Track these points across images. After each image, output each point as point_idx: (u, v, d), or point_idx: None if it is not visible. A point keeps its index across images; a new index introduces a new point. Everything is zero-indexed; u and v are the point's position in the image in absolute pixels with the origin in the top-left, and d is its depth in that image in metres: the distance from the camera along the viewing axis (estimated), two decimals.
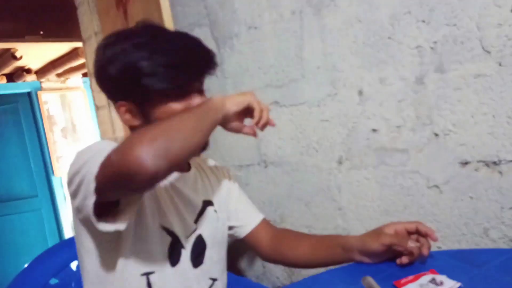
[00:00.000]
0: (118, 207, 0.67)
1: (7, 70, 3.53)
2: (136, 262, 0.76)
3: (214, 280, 0.88)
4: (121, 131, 2.09)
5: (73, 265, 1.24)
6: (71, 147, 3.88)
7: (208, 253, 0.87)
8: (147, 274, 0.76)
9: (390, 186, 1.02)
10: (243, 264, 1.50)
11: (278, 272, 1.41)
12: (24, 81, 3.77)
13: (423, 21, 0.89)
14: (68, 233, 3.86)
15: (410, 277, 0.64)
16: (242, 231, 0.98)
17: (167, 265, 0.79)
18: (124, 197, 0.67)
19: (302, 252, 0.90)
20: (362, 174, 1.08)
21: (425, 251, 0.72)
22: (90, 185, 0.61)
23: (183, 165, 0.89)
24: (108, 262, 0.74)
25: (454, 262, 0.70)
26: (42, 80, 3.80)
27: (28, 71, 3.61)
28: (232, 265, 1.42)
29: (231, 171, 1.06)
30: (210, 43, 1.41)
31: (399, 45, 0.94)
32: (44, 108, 3.78)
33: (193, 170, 0.92)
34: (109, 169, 0.60)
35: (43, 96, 3.79)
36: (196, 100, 0.77)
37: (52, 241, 3.83)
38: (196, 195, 0.89)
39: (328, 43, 1.08)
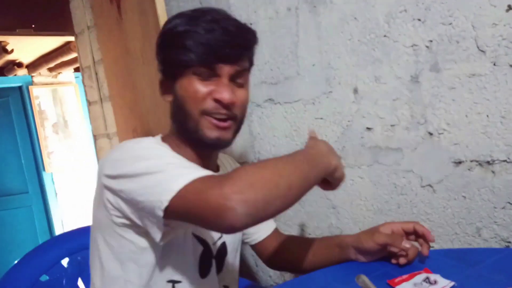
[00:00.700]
0: None
1: None
2: (165, 269, 0.71)
3: (226, 287, 0.86)
4: (113, 127, 2.07)
5: (64, 262, 1.22)
6: (62, 143, 3.84)
7: (226, 261, 0.84)
8: (173, 282, 0.72)
9: (384, 185, 1.02)
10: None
11: (271, 270, 1.40)
12: (15, 75, 3.72)
13: (419, 20, 0.89)
14: (58, 229, 3.82)
15: (404, 276, 0.64)
16: (255, 238, 0.96)
17: (196, 276, 0.75)
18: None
19: (304, 259, 0.90)
20: (356, 173, 1.08)
21: (424, 251, 0.71)
22: (157, 212, 0.57)
23: (213, 167, 0.84)
24: (136, 270, 0.69)
25: (447, 261, 0.70)
26: (33, 74, 3.75)
27: (19, 65, 3.56)
28: None
29: None
30: None
31: (395, 44, 0.94)
32: (36, 103, 3.74)
33: (222, 171, 0.88)
34: (190, 204, 0.55)
35: (35, 91, 3.74)
36: (222, 87, 0.71)
37: (42, 238, 3.79)
38: None
39: (324, 40, 1.08)
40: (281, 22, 1.17)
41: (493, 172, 0.83)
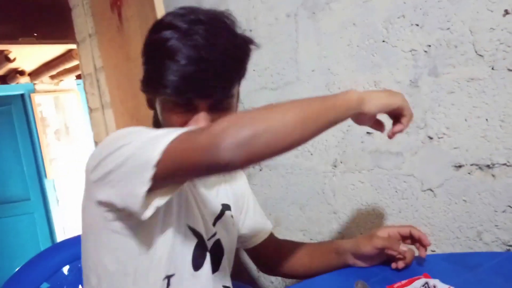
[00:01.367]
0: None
1: (0, 72, 3.50)
2: (159, 263, 0.69)
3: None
4: None
5: (65, 269, 1.22)
6: (64, 150, 3.85)
7: (224, 260, 0.82)
8: (168, 277, 0.70)
9: (385, 189, 1.03)
10: (237, 268, 1.49)
11: (273, 277, 1.40)
12: (18, 83, 3.74)
13: (417, 25, 0.90)
14: (60, 236, 3.82)
15: (403, 282, 0.64)
16: (251, 242, 0.95)
17: (190, 268, 0.73)
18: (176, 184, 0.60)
19: (301, 264, 0.90)
20: (357, 177, 1.08)
21: (422, 253, 0.72)
22: (145, 173, 0.54)
23: None
24: (131, 262, 0.67)
25: (447, 265, 0.70)
26: (35, 82, 3.77)
27: (22, 73, 3.58)
28: None
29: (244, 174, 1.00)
30: None
31: (393, 48, 0.94)
32: (38, 110, 3.76)
33: None
34: (181, 152, 0.53)
35: (37, 98, 3.76)
36: (199, 121, 0.66)
37: (44, 245, 3.79)
38: (215, 197, 0.84)
39: (323, 46, 1.09)
40: (280, 28, 1.18)
41: (493, 175, 0.83)
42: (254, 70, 1.29)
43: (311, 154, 1.18)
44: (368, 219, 1.07)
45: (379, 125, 0.74)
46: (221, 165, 0.49)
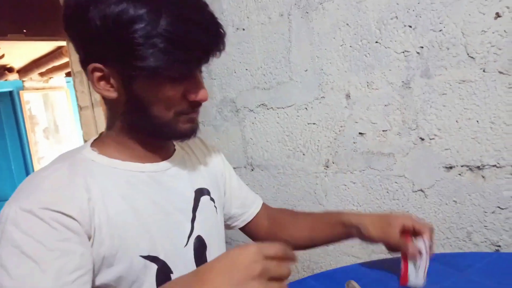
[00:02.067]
0: None
1: None
2: None
3: None
4: None
5: None
6: (53, 148, 3.80)
7: (209, 254, 0.72)
8: None
9: (376, 190, 1.03)
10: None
11: None
12: (6, 80, 3.68)
13: (410, 26, 0.90)
14: None
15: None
16: (242, 221, 0.86)
17: None
18: None
19: (301, 233, 0.82)
20: (349, 178, 1.08)
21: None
22: None
23: (164, 150, 0.70)
24: None
25: (438, 266, 0.70)
26: (24, 79, 3.72)
27: (10, 70, 3.53)
28: None
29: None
30: None
31: (386, 50, 0.95)
32: (26, 108, 3.70)
33: (178, 152, 0.73)
34: None
35: (25, 96, 3.71)
36: (198, 86, 0.60)
37: None
38: (185, 184, 0.70)
39: (316, 46, 1.09)
40: (273, 28, 1.18)
41: (483, 177, 0.84)
42: (246, 69, 1.28)
43: (303, 155, 1.18)
44: None
45: None
46: None
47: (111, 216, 0.57)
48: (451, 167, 0.89)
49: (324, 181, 1.14)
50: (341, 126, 1.07)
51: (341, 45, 1.03)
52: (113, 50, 0.56)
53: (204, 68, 0.64)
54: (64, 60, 3.06)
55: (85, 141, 2.30)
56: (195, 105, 0.63)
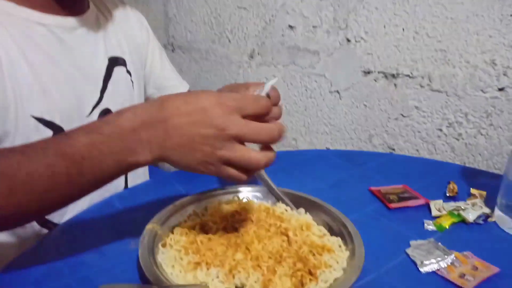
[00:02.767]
0: None
1: None
2: None
3: None
4: None
5: None
6: None
7: None
8: None
9: (296, 86, 1.03)
10: None
11: None
12: None
13: None
14: None
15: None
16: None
17: None
18: None
19: None
20: (272, 71, 1.07)
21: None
22: None
23: (73, 3, 0.59)
24: None
25: (338, 160, 0.75)
26: None
27: None
28: None
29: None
30: None
31: None
32: None
33: (92, 12, 0.63)
34: None
35: None
36: None
37: None
38: (96, 49, 0.62)
39: None
40: None
41: (395, 85, 0.88)
42: None
43: (229, 41, 1.12)
44: None
45: None
46: None
47: (3, 62, 0.50)
48: (369, 72, 0.91)
49: (246, 72, 1.11)
50: (272, 16, 1.01)
51: None
52: None
53: None
54: None
55: None
56: None
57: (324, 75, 0.98)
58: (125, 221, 0.56)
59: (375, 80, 0.91)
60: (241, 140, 0.39)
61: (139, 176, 0.73)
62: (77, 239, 0.53)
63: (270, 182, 0.59)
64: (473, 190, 0.62)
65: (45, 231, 0.58)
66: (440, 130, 0.85)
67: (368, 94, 0.92)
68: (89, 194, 0.43)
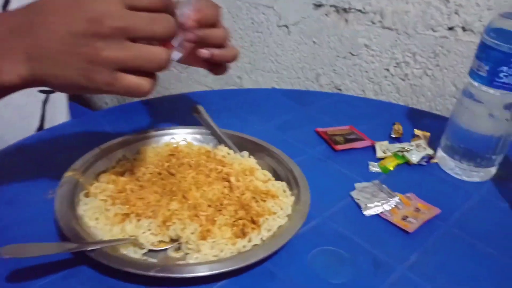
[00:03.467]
0: None
1: None
2: None
3: (46, 92, 0.66)
4: None
5: None
6: None
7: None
8: None
9: (242, 19, 0.95)
10: None
11: (107, 97, 1.29)
12: None
13: None
14: None
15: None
16: None
17: None
18: None
19: None
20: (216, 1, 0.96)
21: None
22: None
23: None
24: None
25: (285, 100, 0.71)
26: None
27: None
28: None
29: None
30: None
31: None
32: None
33: None
34: None
35: None
36: None
37: None
38: None
39: None
40: None
41: (346, 20, 0.83)
42: None
43: None
44: None
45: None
46: None
47: None
48: (320, 5, 0.85)
49: None
50: None
51: None
52: None
53: None
54: None
55: None
56: None
57: (272, 7, 0.90)
58: (42, 167, 0.49)
59: (326, 15, 0.85)
60: (130, 37, 0.30)
61: (57, 116, 0.65)
62: None
63: (211, 122, 0.54)
64: (417, 131, 0.61)
65: None
66: (387, 70, 0.83)
67: (318, 29, 0.87)
68: None
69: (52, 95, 0.68)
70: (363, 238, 0.41)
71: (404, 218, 0.44)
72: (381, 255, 0.40)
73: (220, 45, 0.46)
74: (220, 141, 0.52)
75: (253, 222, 0.39)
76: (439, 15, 0.73)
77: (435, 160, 0.55)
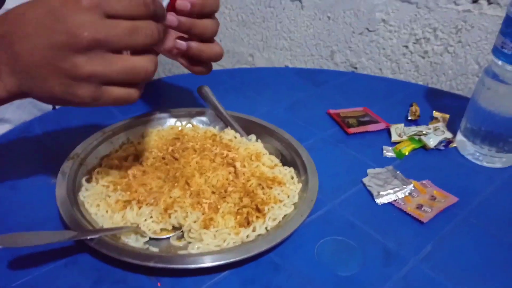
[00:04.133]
0: None
1: None
2: None
3: None
4: None
5: None
6: None
7: None
8: None
9: None
10: None
11: None
12: None
13: None
14: None
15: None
16: None
17: None
18: None
19: None
20: None
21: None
22: None
23: None
24: None
25: (298, 79, 0.69)
26: None
27: None
28: None
29: None
30: None
31: None
32: None
33: None
34: None
35: None
36: None
37: None
38: None
39: None
40: None
41: None
42: None
43: None
44: (230, 26, 0.98)
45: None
46: None
47: None
48: None
49: None
50: None
51: None
52: None
53: None
54: None
55: None
56: None
57: None
58: (46, 150, 0.48)
59: None
60: (111, 49, 0.28)
61: None
62: None
63: (217, 104, 0.52)
64: (435, 113, 0.58)
65: None
66: (406, 47, 0.79)
67: (333, 4, 0.82)
68: None
69: None
70: (374, 228, 0.39)
71: (419, 207, 0.42)
72: (393, 246, 0.38)
73: (205, 39, 0.41)
74: (226, 123, 0.50)
75: (258, 210, 0.37)
76: None
77: (453, 145, 0.52)
